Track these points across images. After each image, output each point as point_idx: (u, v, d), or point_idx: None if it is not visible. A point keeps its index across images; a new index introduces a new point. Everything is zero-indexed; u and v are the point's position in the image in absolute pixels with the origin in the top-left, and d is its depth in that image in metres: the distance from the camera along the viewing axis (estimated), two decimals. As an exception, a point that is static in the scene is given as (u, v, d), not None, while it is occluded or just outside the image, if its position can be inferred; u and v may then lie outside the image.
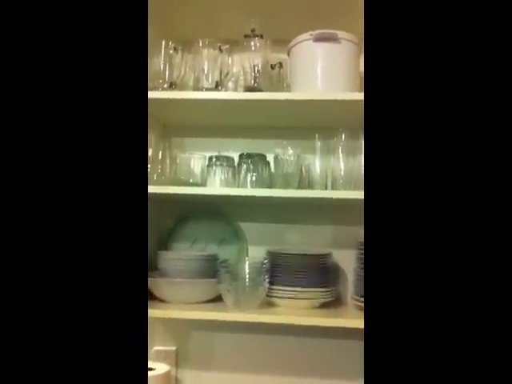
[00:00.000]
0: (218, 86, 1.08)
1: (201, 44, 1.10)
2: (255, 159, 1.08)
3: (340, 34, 1.05)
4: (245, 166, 1.07)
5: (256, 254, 1.20)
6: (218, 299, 1.08)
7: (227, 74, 1.10)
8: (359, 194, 1.01)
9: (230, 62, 1.11)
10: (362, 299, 1.04)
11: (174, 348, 1.24)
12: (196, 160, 1.12)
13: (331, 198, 1.03)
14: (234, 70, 1.14)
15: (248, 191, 1.05)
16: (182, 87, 1.12)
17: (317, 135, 1.11)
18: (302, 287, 1.04)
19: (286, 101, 1.03)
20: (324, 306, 1.09)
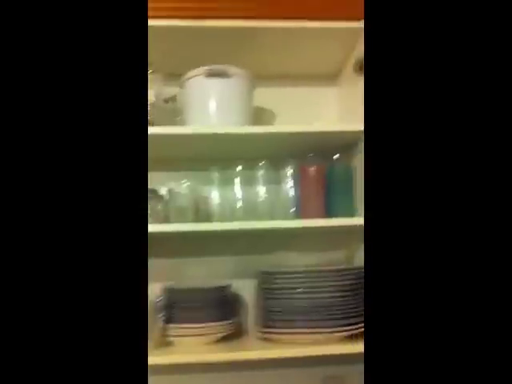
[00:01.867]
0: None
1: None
2: (148, 194, 1.05)
3: (231, 70, 1.09)
4: (138, 201, 1.04)
5: (153, 290, 1.15)
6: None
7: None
8: (257, 224, 1.03)
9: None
10: (265, 329, 1.05)
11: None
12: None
13: (230, 229, 1.04)
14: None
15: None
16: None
17: (212, 167, 1.12)
18: (200, 323, 1.02)
19: (179, 135, 1.03)
20: (225, 339, 1.08)
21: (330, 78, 1.30)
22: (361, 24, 1.04)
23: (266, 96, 1.23)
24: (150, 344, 0.98)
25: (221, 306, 1.06)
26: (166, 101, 1.16)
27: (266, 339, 1.06)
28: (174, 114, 1.17)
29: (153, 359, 0.96)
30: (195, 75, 1.09)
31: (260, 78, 1.13)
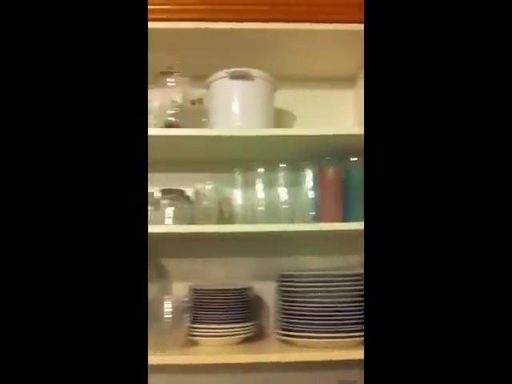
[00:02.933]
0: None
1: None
2: (174, 195, 1.06)
3: (254, 72, 1.09)
4: (164, 202, 1.06)
5: (179, 291, 1.17)
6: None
7: (145, 110, 1.09)
8: (278, 227, 1.03)
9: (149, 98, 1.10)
10: (283, 332, 1.06)
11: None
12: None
13: (252, 231, 1.04)
14: (156, 106, 1.13)
15: (167, 228, 1.03)
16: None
17: (236, 169, 1.13)
18: (223, 323, 1.03)
19: (204, 137, 1.04)
20: (247, 340, 1.09)
21: (349, 80, 1.29)
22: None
23: (285, 98, 1.23)
24: (176, 343, 0.99)
25: (243, 308, 1.07)
26: (193, 102, 1.17)
27: (284, 342, 1.06)
28: (201, 116, 1.18)
29: (178, 359, 0.97)
30: (219, 77, 1.10)
31: (280, 80, 1.14)
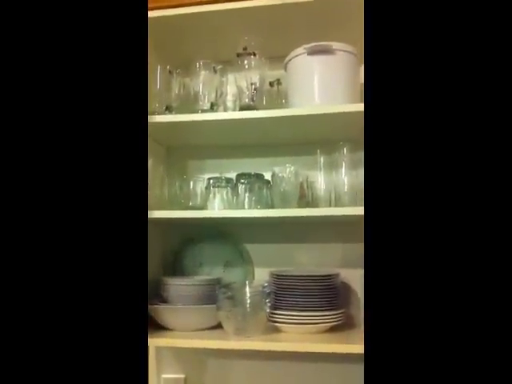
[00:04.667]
0: (213, 106, 1.07)
1: (197, 66, 1.10)
2: (252, 179, 1.05)
3: (335, 45, 1.02)
4: (242, 187, 1.05)
5: (263, 276, 1.16)
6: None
7: (221, 94, 1.08)
8: (358, 210, 0.96)
9: (225, 81, 1.10)
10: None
11: (182, 376, 1.21)
12: (195, 182, 1.10)
13: (337, 215, 0.98)
14: (233, 89, 1.12)
15: (246, 212, 1.02)
16: (179, 110, 1.11)
17: (318, 150, 1.07)
18: (308, 311, 0.99)
19: (281, 117, 1.00)
20: (333, 329, 1.04)
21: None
22: None
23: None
24: (256, 329, 0.98)
25: (329, 295, 1.02)
26: (271, 84, 1.14)
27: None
28: (280, 98, 1.15)
29: (257, 344, 0.96)
30: (298, 54, 1.05)
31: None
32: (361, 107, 0.98)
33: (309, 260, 1.18)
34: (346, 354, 0.93)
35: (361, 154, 1.03)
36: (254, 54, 1.06)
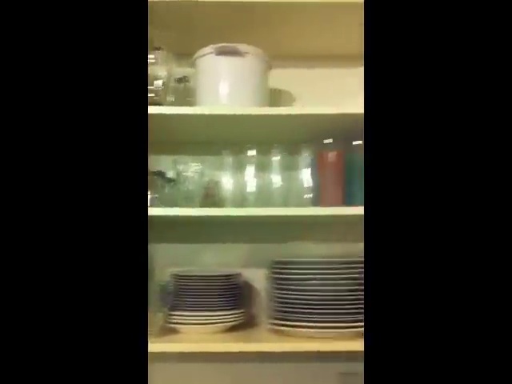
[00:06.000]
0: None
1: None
2: (154, 176, 1.02)
3: (243, 47, 1.03)
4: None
5: (164, 277, 1.13)
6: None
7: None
8: (268, 211, 0.98)
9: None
10: (275, 321, 1.00)
11: None
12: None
13: (242, 216, 0.99)
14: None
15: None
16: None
17: (225, 151, 1.07)
18: (206, 311, 0.98)
19: (187, 115, 0.99)
20: (234, 329, 1.04)
21: (354, 58, 1.21)
22: None
23: (284, 78, 1.17)
24: (154, 330, 0.95)
25: (229, 295, 1.02)
26: (179, 81, 1.12)
27: (276, 331, 1.01)
28: (187, 95, 1.13)
29: (157, 346, 0.93)
30: (205, 53, 1.04)
31: (278, 58, 1.07)
32: (268, 111, 1.00)
33: (212, 260, 1.18)
34: (240, 352, 0.94)
35: (268, 157, 1.06)
36: (160, 48, 1.03)
